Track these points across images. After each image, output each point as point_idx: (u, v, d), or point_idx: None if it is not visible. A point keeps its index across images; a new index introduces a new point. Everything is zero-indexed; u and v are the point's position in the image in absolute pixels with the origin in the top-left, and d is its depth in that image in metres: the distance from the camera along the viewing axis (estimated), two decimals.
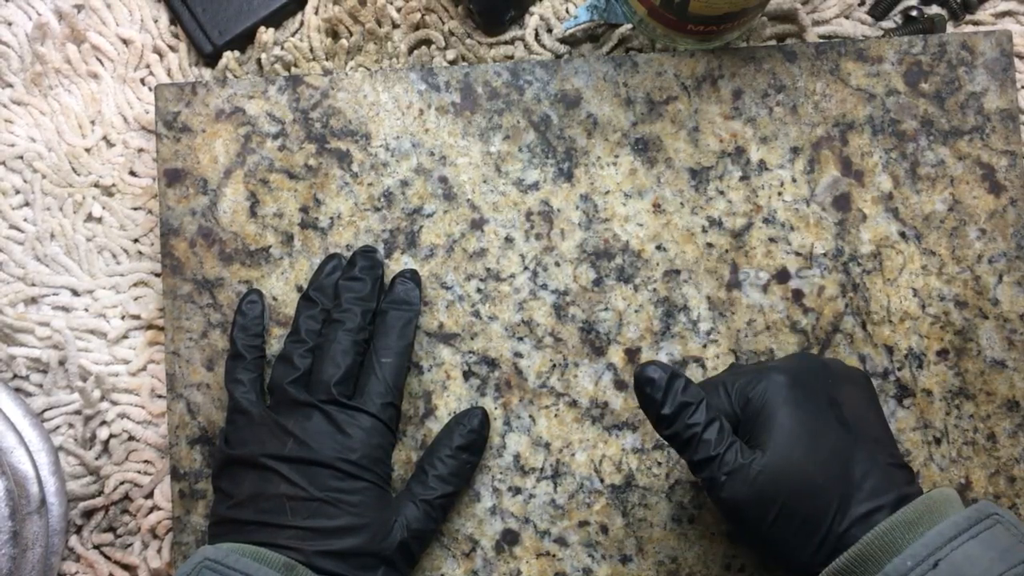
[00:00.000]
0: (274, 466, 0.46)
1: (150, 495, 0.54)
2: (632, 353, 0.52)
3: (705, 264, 0.52)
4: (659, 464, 0.51)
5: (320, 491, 0.45)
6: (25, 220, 0.55)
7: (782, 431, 0.42)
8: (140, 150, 0.56)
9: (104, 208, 0.55)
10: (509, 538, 0.51)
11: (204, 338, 0.52)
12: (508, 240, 0.53)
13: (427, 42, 0.56)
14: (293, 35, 0.56)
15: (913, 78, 0.53)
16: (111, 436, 0.54)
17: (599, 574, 0.51)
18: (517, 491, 0.51)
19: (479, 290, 0.52)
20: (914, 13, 0.55)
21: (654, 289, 0.52)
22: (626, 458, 0.51)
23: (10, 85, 0.56)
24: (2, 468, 0.50)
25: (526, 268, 0.52)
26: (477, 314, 0.52)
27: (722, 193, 0.53)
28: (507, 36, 0.56)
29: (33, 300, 0.55)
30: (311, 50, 0.56)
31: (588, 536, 0.51)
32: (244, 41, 0.56)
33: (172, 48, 0.57)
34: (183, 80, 0.56)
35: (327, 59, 0.56)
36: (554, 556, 0.51)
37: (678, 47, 0.54)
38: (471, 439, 0.50)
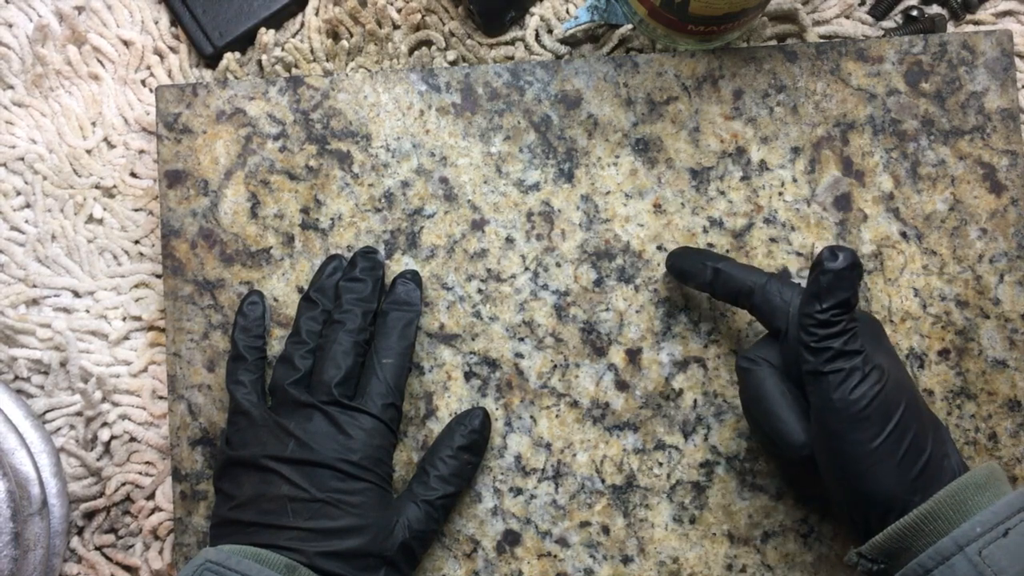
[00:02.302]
0: (275, 467, 0.46)
1: (151, 496, 0.54)
2: (633, 354, 0.52)
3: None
4: (660, 465, 0.51)
5: (321, 492, 0.45)
6: (26, 222, 0.55)
7: (890, 355, 0.44)
8: (141, 151, 0.56)
9: (105, 209, 0.55)
10: (510, 539, 0.51)
11: (205, 339, 0.52)
12: (509, 241, 0.53)
13: (427, 43, 0.56)
14: (294, 36, 0.56)
15: (914, 78, 0.53)
16: (112, 437, 0.54)
17: (600, 574, 0.51)
18: (518, 492, 0.51)
19: (480, 291, 0.52)
20: (915, 13, 0.55)
21: (655, 289, 0.52)
22: (627, 458, 0.51)
23: (11, 87, 0.56)
24: (4, 470, 0.50)
25: (527, 269, 0.52)
26: (478, 315, 0.52)
27: (723, 193, 0.53)
28: (507, 37, 0.56)
29: (34, 301, 0.55)
30: (312, 51, 0.56)
31: (589, 537, 0.51)
32: (245, 42, 0.56)
33: (173, 49, 0.57)
34: (184, 81, 0.56)
35: (328, 60, 0.56)
36: (555, 557, 0.51)
37: (678, 47, 0.54)
38: (472, 439, 0.50)
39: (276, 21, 0.56)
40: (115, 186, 0.55)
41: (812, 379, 0.42)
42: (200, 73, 0.56)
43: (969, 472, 0.41)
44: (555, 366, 0.52)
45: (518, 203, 0.53)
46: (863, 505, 0.42)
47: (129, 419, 0.54)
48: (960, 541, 0.39)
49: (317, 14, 0.56)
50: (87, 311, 0.55)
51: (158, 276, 0.55)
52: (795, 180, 0.52)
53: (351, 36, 0.56)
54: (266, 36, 0.55)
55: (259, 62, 0.56)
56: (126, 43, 0.57)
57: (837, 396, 0.42)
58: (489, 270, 0.52)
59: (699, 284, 0.49)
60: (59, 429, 0.54)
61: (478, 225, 0.53)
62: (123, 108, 0.56)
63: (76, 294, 0.55)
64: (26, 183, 0.56)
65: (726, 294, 0.48)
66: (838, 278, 0.42)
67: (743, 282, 0.47)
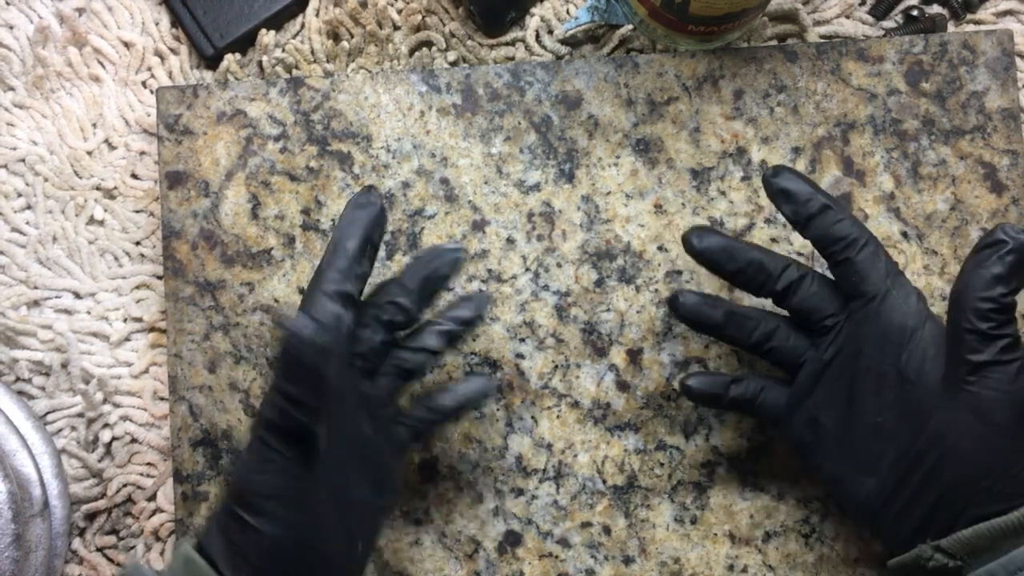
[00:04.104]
0: None
1: (152, 497, 0.54)
2: (634, 354, 0.52)
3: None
4: (661, 465, 0.51)
5: None
6: (27, 223, 0.56)
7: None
8: (142, 153, 0.56)
9: (106, 211, 0.55)
10: (512, 539, 0.51)
11: (206, 340, 0.52)
12: (509, 241, 0.53)
13: (428, 44, 0.56)
14: (294, 37, 0.56)
15: (914, 78, 0.53)
16: (113, 439, 0.54)
17: (602, 575, 0.51)
18: (519, 492, 0.51)
19: (480, 291, 0.52)
20: (915, 13, 0.55)
21: (656, 290, 0.52)
22: (628, 459, 0.51)
23: (12, 88, 0.56)
24: (5, 471, 0.50)
25: (527, 269, 0.52)
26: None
27: (723, 193, 0.52)
28: (508, 37, 0.56)
29: (35, 303, 0.55)
30: (312, 52, 0.56)
31: (591, 537, 0.51)
32: (245, 43, 0.56)
33: (173, 51, 0.57)
34: (184, 83, 0.56)
35: (328, 61, 0.56)
36: (557, 557, 0.51)
37: (679, 48, 0.54)
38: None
39: (276, 22, 0.56)
40: (116, 187, 0.55)
41: (981, 370, 0.39)
42: (201, 74, 0.56)
43: None
44: (556, 367, 0.52)
45: (519, 204, 0.53)
46: (985, 499, 0.39)
47: (130, 420, 0.54)
48: None
49: (318, 15, 0.56)
50: (88, 312, 0.55)
51: (159, 277, 0.55)
52: None
53: (351, 37, 0.56)
54: (267, 37, 0.55)
55: (260, 63, 0.56)
56: (127, 44, 0.57)
57: (1015, 388, 0.39)
58: (490, 271, 0.52)
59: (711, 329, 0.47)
60: (60, 430, 0.54)
61: (479, 226, 0.53)
62: (124, 109, 0.56)
63: (77, 295, 0.55)
64: (27, 185, 0.56)
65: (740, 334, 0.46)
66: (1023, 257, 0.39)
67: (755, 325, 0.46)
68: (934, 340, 0.42)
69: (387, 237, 0.53)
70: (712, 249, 0.45)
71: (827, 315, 0.45)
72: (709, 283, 0.52)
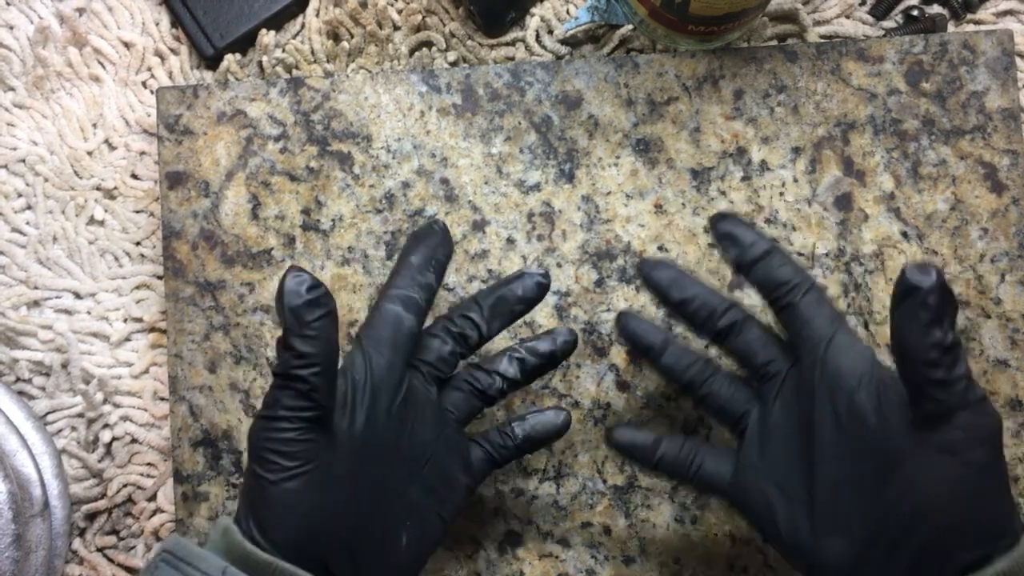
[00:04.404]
0: None
1: (153, 498, 0.54)
2: (634, 354, 0.52)
3: (707, 265, 0.52)
4: None
5: None
6: (27, 223, 0.56)
7: None
8: (142, 153, 0.56)
9: (106, 211, 0.55)
10: (512, 539, 0.51)
11: (206, 340, 0.52)
12: (510, 241, 0.53)
13: (428, 44, 0.56)
14: (294, 37, 0.56)
15: (914, 78, 0.53)
16: (114, 439, 0.54)
17: (602, 575, 0.51)
18: (520, 492, 0.51)
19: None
20: (915, 12, 0.55)
21: None
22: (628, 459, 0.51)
23: (12, 88, 0.56)
24: (5, 471, 0.50)
25: None
26: None
27: (724, 193, 0.52)
28: (508, 37, 0.56)
29: (36, 303, 0.55)
30: (312, 52, 0.56)
31: (591, 537, 0.51)
32: (245, 44, 0.56)
33: (173, 51, 0.57)
34: (184, 83, 0.56)
35: (328, 61, 0.56)
36: (557, 557, 0.51)
37: (679, 48, 0.54)
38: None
39: (277, 22, 0.56)
40: (116, 188, 0.55)
41: (949, 415, 0.37)
42: (201, 74, 0.56)
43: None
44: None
45: (519, 204, 0.53)
46: (987, 539, 0.38)
47: (130, 420, 0.54)
48: None
49: (318, 15, 0.56)
50: (88, 313, 0.55)
51: (159, 278, 0.55)
52: (796, 180, 0.52)
53: (352, 37, 0.56)
54: (267, 37, 0.55)
55: (260, 63, 0.56)
56: (127, 45, 0.57)
57: (984, 423, 0.37)
58: (490, 271, 0.52)
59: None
60: (60, 431, 0.54)
61: (479, 226, 0.53)
62: (124, 110, 0.56)
63: (77, 296, 0.55)
64: (27, 185, 0.56)
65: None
66: (944, 293, 0.36)
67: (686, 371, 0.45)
68: (888, 383, 0.40)
69: (388, 237, 0.53)
70: (661, 280, 0.45)
71: (770, 360, 0.43)
72: (709, 282, 0.52)
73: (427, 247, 0.45)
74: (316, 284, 0.38)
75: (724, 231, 0.44)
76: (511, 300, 0.46)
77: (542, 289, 0.46)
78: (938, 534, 0.38)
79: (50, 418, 0.54)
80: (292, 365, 0.38)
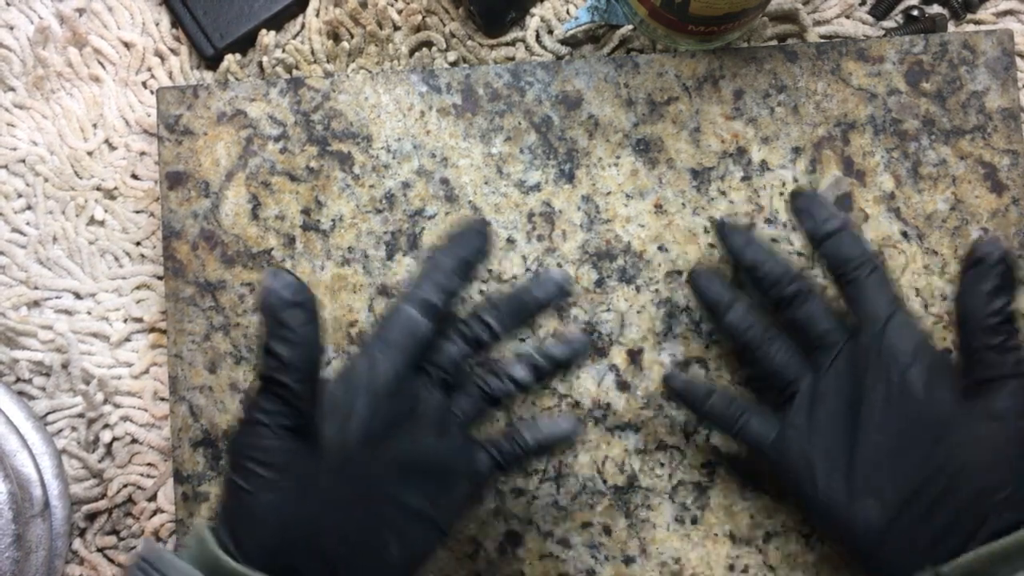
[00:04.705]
0: None
1: (153, 498, 0.54)
2: (634, 354, 0.52)
3: (707, 265, 0.52)
4: (662, 465, 0.51)
5: None
6: (27, 224, 0.56)
7: None
8: (142, 153, 0.56)
9: (106, 211, 0.55)
10: (512, 540, 0.51)
11: (206, 341, 0.52)
12: (510, 241, 0.53)
13: (428, 44, 0.56)
14: (294, 38, 0.56)
15: (914, 77, 0.53)
16: (114, 439, 0.54)
17: (602, 575, 0.51)
18: (520, 493, 0.51)
19: (481, 292, 0.52)
20: (915, 12, 0.55)
21: (656, 290, 0.52)
22: (629, 459, 0.51)
23: (12, 89, 0.56)
24: (5, 471, 0.50)
25: (528, 269, 0.52)
26: None
27: (724, 193, 0.52)
28: (508, 37, 0.56)
29: (36, 303, 0.55)
30: (312, 52, 0.56)
31: (591, 537, 0.51)
32: (245, 44, 0.56)
33: (174, 51, 0.57)
34: (185, 83, 0.56)
35: (328, 61, 0.56)
36: (557, 557, 0.51)
37: (679, 48, 0.54)
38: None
39: (277, 23, 0.56)
40: (116, 188, 0.55)
41: (1000, 382, 0.40)
42: (201, 75, 0.56)
43: None
44: None
45: (519, 204, 0.53)
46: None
47: (130, 421, 0.54)
48: None
49: (318, 15, 0.56)
50: (88, 313, 0.55)
51: (159, 278, 0.55)
52: (796, 180, 0.52)
53: (352, 37, 0.56)
54: (267, 38, 0.55)
55: (260, 64, 0.56)
56: (127, 45, 0.57)
57: None
58: (490, 271, 0.53)
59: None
60: (61, 431, 0.54)
61: None
62: (124, 110, 0.56)
63: (77, 296, 0.55)
64: (27, 185, 0.56)
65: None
66: (1010, 267, 0.41)
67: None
68: (940, 361, 0.43)
69: (388, 237, 0.53)
70: (737, 241, 0.47)
71: (829, 330, 0.45)
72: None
73: (460, 247, 0.45)
74: (298, 286, 0.37)
75: (800, 206, 0.47)
76: (527, 303, 0.46)
77: (561, 291, 0.46)
78: (977, 496, 0.40)
79: (50, 418, 0.54)
80: (272, 369, 0.37)
